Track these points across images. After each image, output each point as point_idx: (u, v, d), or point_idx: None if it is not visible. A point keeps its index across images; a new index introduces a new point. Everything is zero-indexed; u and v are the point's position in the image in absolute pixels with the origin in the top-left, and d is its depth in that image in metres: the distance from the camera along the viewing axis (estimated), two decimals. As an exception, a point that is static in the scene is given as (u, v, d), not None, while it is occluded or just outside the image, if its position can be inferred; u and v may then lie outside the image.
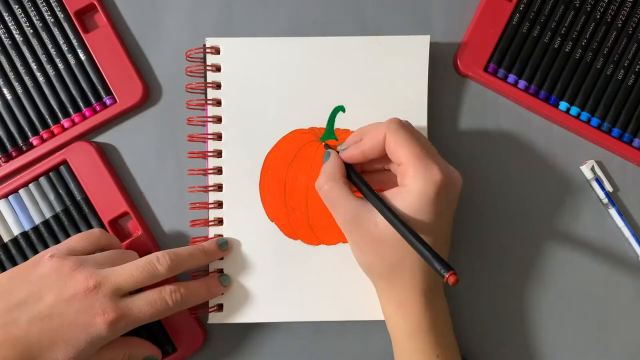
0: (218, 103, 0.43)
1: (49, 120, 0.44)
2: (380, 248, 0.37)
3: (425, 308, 0.37)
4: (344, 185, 0.38)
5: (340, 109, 0.43)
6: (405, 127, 0.37)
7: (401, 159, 0.36)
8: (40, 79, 0.43)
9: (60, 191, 0.43)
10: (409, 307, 0.37)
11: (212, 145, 0.43)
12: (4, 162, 0.43)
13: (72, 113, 0.43)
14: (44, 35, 0.43)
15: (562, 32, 0.43)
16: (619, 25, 0.43)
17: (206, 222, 0.42)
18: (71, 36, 0.43)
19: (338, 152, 0.40)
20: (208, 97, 0.43)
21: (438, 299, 0.38)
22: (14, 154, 0.43)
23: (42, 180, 0.43)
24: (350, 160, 0.39)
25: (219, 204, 0.43)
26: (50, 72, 0.43)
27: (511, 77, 0.43)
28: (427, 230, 0.36)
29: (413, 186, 0.36)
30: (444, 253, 0.38)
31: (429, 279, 0.37)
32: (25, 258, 0.43)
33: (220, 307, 0.42)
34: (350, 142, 0.40)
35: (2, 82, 0.43)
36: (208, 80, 0.43)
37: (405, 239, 0.34)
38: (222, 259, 0.42)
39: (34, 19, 0.43)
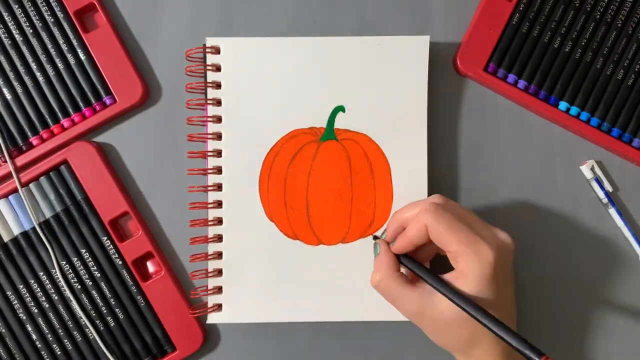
0: (218, 103, 0.43)
1: (48, 120, 0.44)
2: (452, 330, 0.36)
3: None
4: (399, 280, 0.37)
5: (340, 109, 0.43)
6: (443, 211, 0.36)
7: (449, 247, 0.36)
8: (40, 78, 0.43)
9: (61, 191, 0.43)
10: None
11: (211, 145, 0.43)
12: (3, 162, 0.43)
13: (72, 113, 0.44)
14: (43, 35, 0.43)
15: (562, 32, 0.43)
16: (619, 25, 0.43)
17: (206, 222, 0.42)
18: (71, 36, 0.43)
19: (387, 243, 0.39)
20: (208, 97, 0.43)
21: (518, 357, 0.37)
22: (14, 153, 0.43)
23: (42, 180, 0.43)
24: (402, 252, 0.38)
25: (219, 204, 0.43)
26: (50, 72, 0.43)
27: (511, 77, 0.43)
28: (494, 308, 0.35)
29: (468, 272, 0.35)
30: (512, 317, 0.38)
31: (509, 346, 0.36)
32: (26, 258, 0.43)
33: (219, 307, 0.42)
34: (392, 231, 0.39)
35: (2, 82, 0.43)
36: (208, 80, 0.43)
37: (484, 325, 0.34)
38: (221, 258, 0.42)
39: (33, 18, 0.43)
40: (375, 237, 0.41)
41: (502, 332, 0.33)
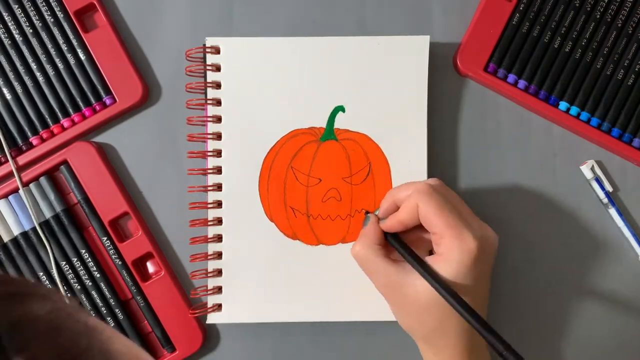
0: (218, 103, 0.43)
1: (48, 120, 0.44)
2: (420, 313, 0.36)
3: None
4: (379, 252, 0.38)
5: (340, 109, 0.43)
6: (436, 192, 0.37)
7: (435, 228, 0.36)
8: (40, 78, 0.43)
9: (60, 191, 0.43)
10: None
11: (211, 145, 0.43)
12: (4, 162, 0.43)
13: (72, 113, 0.43)
14: (43, 35, 0.43)
15: (562, 32, 0.43)
16: (619, 25, 0.43)
17: (206, 222, 0.42)
18: (71, 36, 0.43)
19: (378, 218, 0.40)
20: (208, 97, 0.43)
21: (481, 358, 0.38)
22: (14, 153, 0.43)
23: (42, 180, 0.43)
24: (391, 230, 0.39)
25: (219, 204, 0.43)
26: (50, 72, 0.43)
27: (511, 77, 0.43)
28: (467, 293, 0.35)
29: (449, 256, 0.35)
30: (483, 310, 0.38)
31: (472, 340, 0.36)
32: (26, 258, 0.43)
33: (219, 307, 0.42)
34: (384, 208, 0.39)
35: (2, 82, 0.43)
36: (208, 80, 0.43)
37: (456, 308, 0.34)
38: (221, 258, 0.42)
39: (33, 18, 0.43)
40: (367, 212, 0.41)
41: (472, 319, 0.33)
